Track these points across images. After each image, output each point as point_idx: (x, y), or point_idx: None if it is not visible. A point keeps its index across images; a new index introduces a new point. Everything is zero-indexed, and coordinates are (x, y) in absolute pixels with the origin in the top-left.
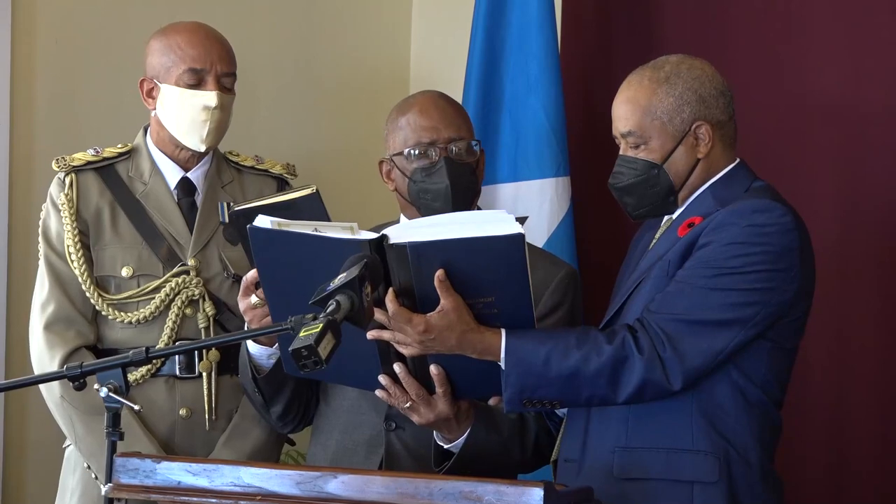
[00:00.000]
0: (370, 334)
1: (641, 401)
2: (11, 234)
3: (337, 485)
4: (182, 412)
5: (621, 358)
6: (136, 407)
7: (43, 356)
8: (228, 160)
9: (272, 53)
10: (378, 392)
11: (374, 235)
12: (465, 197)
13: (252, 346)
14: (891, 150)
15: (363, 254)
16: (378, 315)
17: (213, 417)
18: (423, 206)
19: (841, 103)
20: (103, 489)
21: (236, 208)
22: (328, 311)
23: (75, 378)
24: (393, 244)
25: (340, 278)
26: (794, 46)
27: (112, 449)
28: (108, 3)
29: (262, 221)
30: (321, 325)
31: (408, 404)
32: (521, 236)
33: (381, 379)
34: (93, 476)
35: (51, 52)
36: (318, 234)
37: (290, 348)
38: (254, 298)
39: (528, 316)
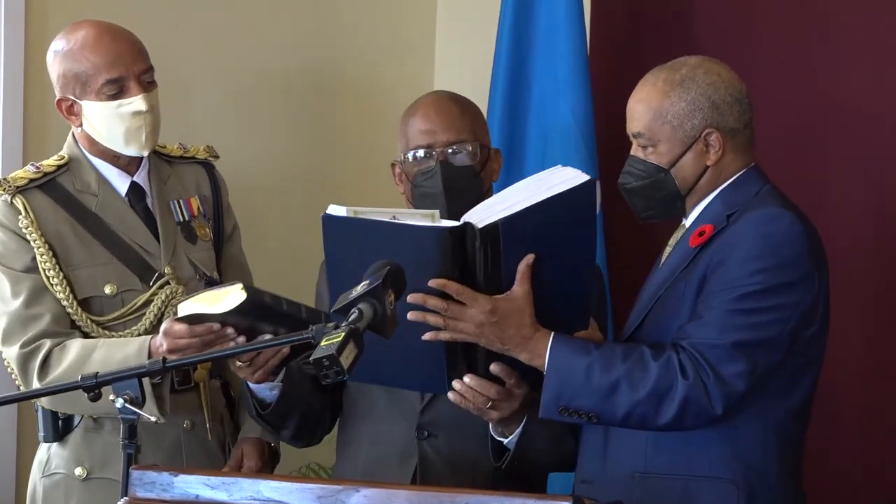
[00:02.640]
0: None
1: (682, 425)
2: None
3: (359, 499)
4: (185, 424)
5: (666, 377)
6: (153, 418)
7: (25, 377)
8: (159, 153)
9: (292, 58)
10: (451, 396)
11: (454, 223)
12: (461, 201)
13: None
14: None
15: (386, 261)
16: (432, 300)
17: (210, 426)
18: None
19: (870, 104)
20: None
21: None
22: (350, 319)
23: (90, 388)
24: (482, 227)
25: (363, 286)
26: (824, 48)
27: (128, 462)
28: (122, 3)
29: (337, 210)
30: (343, 334)
31: (488, 404)
32: (594, 181)
33: (457, 385)
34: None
35: None
36: (395, 221)
37: (311, 358)
38: (238, 362)
39: (589, 269)
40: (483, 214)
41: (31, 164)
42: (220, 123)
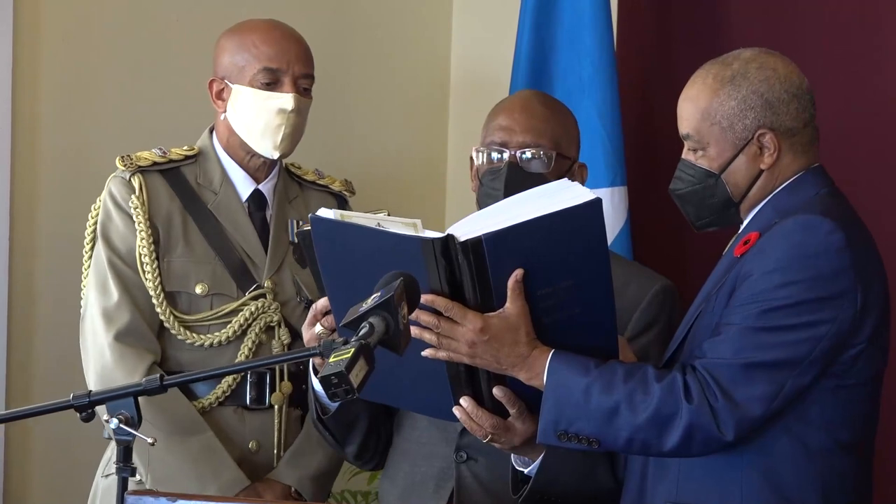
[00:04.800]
0: (425, 352)
1: (689, 452)
2: (13, 247)
3: None
4: (251, 445)
5: (669, 400)
6: (150, 440)
7: (115, 372)
8: (291, 173)
9: None
10: (458, 416)
11: (438, 234)
12: None
13: (318, 384)
14: None
15: (399, 272)
16: (424, 316)
17: (278, 453)
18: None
19: None
20: None
21: (304, 228)
22: (360, 334)
23: (82, 408)
24: (465, 241)
25: (374, 298)
26: (870, 42)
27: (123, 486)
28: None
29: (326, 212)
30: (352, 350)
31: (487, 438)
32: (598, 201)
33: (457, 412)
34: None
35: (57, 48)
36: (379, 228)
37: (319, 375)
38: (318, 328)
39: (607, 300)
40: (470, 227)
41: (159, 148)
42: None
